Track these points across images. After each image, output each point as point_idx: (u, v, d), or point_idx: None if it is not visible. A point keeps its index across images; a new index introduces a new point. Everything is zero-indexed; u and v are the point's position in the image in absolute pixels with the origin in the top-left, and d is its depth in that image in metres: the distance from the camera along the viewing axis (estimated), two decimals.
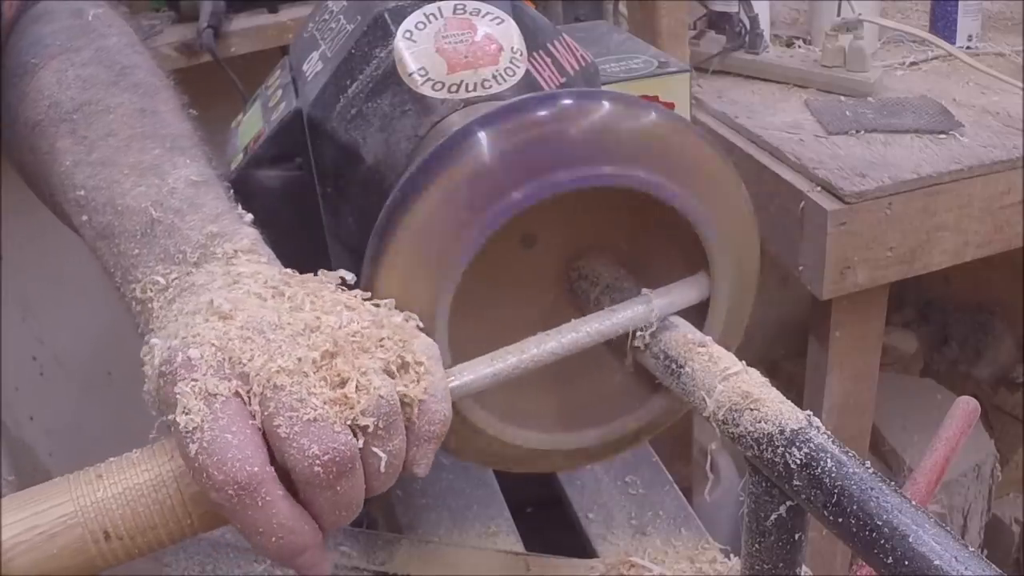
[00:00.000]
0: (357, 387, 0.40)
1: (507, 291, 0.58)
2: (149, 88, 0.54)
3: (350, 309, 0.44)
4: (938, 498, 1.42)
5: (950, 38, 1.32)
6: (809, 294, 1.06)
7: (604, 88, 0.70)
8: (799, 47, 1.35)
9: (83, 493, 0.39)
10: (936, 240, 1.03)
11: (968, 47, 1.33)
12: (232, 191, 0.52)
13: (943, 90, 1.22)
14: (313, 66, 0.65)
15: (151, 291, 0.45)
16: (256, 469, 0.39)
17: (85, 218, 0.48)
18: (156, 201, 0.48)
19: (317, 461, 0.39)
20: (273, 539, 0.40)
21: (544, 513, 0.80)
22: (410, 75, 0.57)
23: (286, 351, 0.40)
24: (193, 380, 0.39)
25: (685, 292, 0.55)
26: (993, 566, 0.36)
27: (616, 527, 0.75)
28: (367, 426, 0.40)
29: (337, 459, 0.40)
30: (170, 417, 0.40)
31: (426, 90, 0.57)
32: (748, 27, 1.30)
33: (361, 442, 0.41)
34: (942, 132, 1.09)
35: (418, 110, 0.57)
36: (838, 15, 1.29)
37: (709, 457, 1.33)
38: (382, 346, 0.43)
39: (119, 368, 1.54)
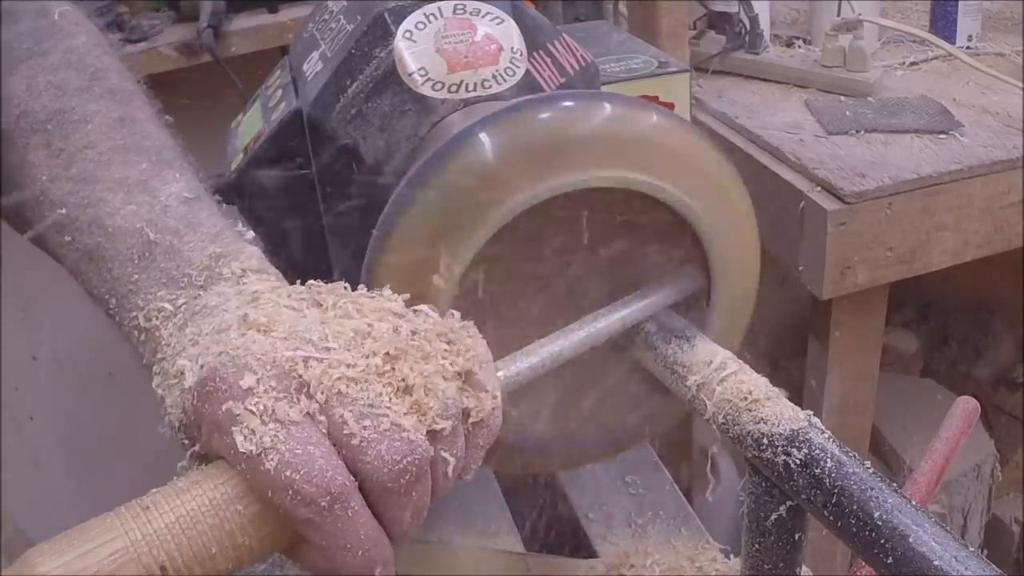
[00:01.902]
0: (426, 391, 0.39)
1: (509, 290, 0.58)
2: (124, 94, 0.51)
3: (398, 315, 0.42)
4: (938, 498, 1.42)
5: (950, 38, 1.32)
6: (809, 294, 1.06)
7: (604, 88, 0.70)
8: (799, 47, 1.35)
9: (132, 527, 0.36)
10: (936, 240, 1.03)
11: (968, 47, 1.33)
12: (222, 203, 0.50)
13: (943, 90, 1.22)
14: (313, 66, 0.65)
15: (157, 318, 0.43)
16: (344, 479, 0.37)
17: (68, 239, 0.45)
18: (150, 221, 0.45)
19: (398, 466, 0.37)
20: (360, 552, 0.38)
21: (544, 513, 0.80)
22: (410, 75, 0.57)
23: (343, 358, 0.39)
24: (255, 397, 0.37)
25: (684, 289, 0.55)
26: (993, 566, 0.36)
27: (616, 527, 0.75)
28: (442, 429, 0.39)
29: (417, 462, 0.38)
30: (219, 440, 0.38)
31: (426, 90, 0.57)
32: (748, 27, 1.30)
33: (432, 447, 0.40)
34: (942, 132, 1.09)
35: (418, 110, 0.57)
36: (838, 15, 1.29)
37: (709, 458, 1.33)
38: (447, 352, 0.41)
39: (119, 368, 1.54)
